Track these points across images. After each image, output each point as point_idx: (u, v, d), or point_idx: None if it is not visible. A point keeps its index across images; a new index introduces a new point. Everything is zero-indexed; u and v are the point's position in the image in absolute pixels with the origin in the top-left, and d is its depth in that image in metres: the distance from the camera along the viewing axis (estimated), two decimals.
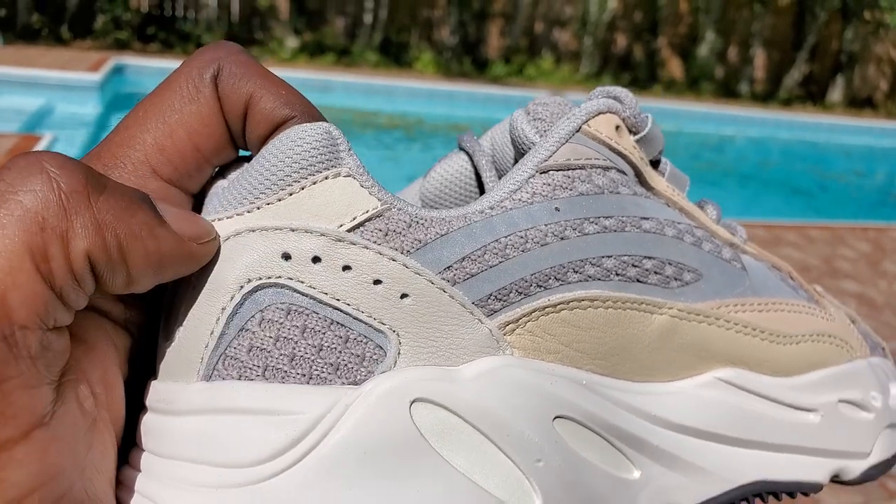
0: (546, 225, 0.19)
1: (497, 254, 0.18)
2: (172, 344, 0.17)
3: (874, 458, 0.24)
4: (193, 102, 0.18)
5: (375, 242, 0.17)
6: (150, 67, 6.12)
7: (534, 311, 0.18)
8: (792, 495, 0.23)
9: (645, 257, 0.20)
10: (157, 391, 0.18)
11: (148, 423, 0.18)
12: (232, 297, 0.17)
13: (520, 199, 0.19)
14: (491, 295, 0.18)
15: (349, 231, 0.17)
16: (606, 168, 0.20)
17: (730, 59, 8.91)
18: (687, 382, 0.21)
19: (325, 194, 0.17)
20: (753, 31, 8.72)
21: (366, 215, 0.17)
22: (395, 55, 7.71)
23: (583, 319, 0.19)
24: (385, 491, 0.16)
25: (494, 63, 8.00)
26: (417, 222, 0.17)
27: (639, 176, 0.21)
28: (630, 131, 0.21)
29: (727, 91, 8.63)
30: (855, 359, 0.24)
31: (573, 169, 0.20)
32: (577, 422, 0.19)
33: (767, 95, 8.81)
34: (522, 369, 0.18)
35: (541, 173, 0.19)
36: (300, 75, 6.50)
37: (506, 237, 0.18)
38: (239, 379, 0.17)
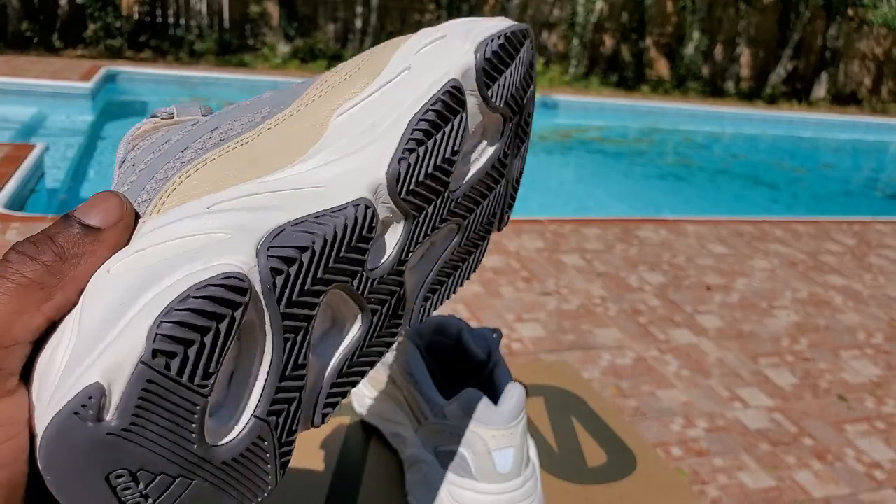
0: None
1: None
2: None
3: None
4: None
5: None
6: (142, 75, 6.06)
7: None
8: None
9: None
10: None
11: None
12: None
13: None
14: None
15: None
16: None
17: (716, 58, 8.99)
18: None
19: None
20: (739, 30, 8.79)
21: None
22: None
23: None
24: None
25: None
26: None
27: None
28: None
29: (714, 89, 8.70)
30: None
31: None
32: None
33: (753, 93, 8.88)
34: None
35: None
36: (292, 81, 6.55)
37: None
38: None
